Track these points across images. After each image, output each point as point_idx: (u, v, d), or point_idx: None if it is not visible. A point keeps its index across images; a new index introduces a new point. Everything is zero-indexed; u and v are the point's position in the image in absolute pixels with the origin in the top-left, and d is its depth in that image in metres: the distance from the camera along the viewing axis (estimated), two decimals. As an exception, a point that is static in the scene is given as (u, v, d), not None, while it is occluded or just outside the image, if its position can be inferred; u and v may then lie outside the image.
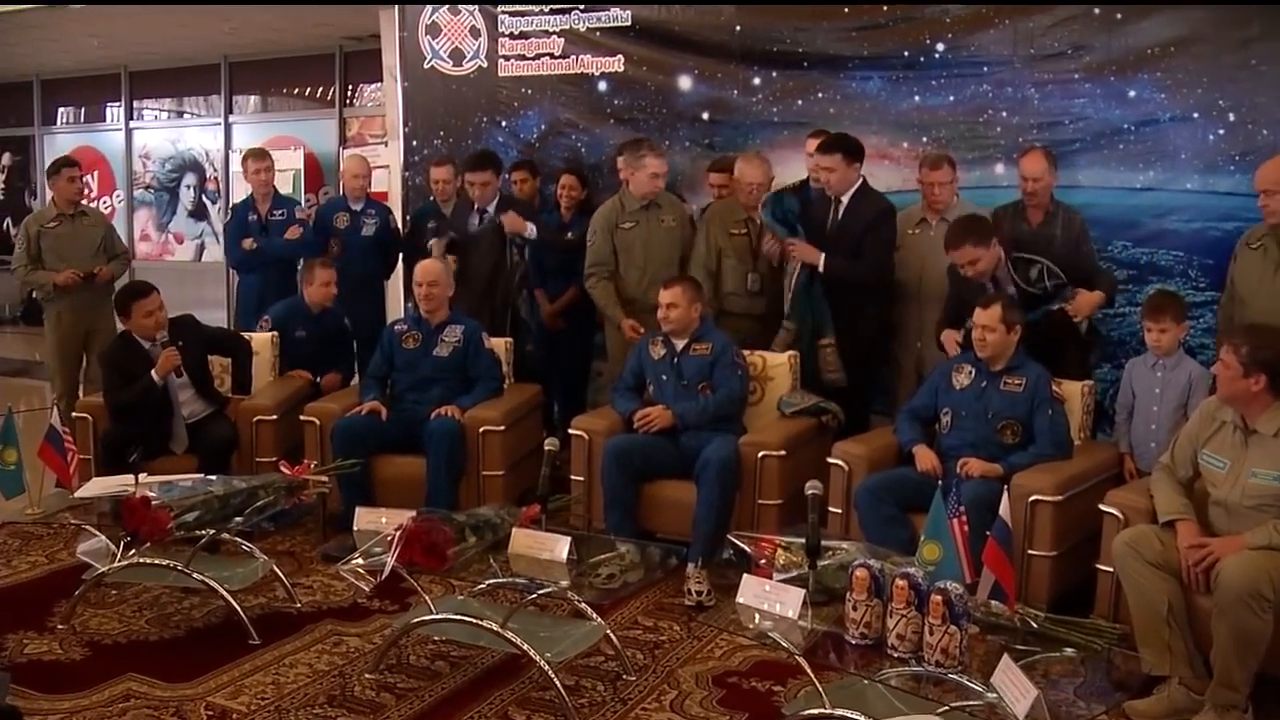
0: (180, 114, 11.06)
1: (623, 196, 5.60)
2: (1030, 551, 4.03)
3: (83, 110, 11.50)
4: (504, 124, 6.87)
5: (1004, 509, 3.40)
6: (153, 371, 5.00)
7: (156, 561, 4.08)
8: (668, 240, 5.56)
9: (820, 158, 5.16)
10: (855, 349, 5.15)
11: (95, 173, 10.70)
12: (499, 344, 5.46)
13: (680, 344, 4.92)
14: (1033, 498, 4.02)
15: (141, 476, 4.14)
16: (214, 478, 4.29)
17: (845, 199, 5.16)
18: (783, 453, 4.60)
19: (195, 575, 4.03)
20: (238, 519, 4.09)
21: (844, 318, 5.15)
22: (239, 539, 4.31)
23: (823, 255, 5.08)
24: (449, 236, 5.89)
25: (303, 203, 7.95)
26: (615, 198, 5.65)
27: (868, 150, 5.29)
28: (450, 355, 5.24)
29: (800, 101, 6.06)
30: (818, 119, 5.85)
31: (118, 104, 10.86)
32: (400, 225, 6.71)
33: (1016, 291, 4.57)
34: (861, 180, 5.18)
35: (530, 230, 5.84)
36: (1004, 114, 5.58)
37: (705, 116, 6.33)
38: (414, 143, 7.10)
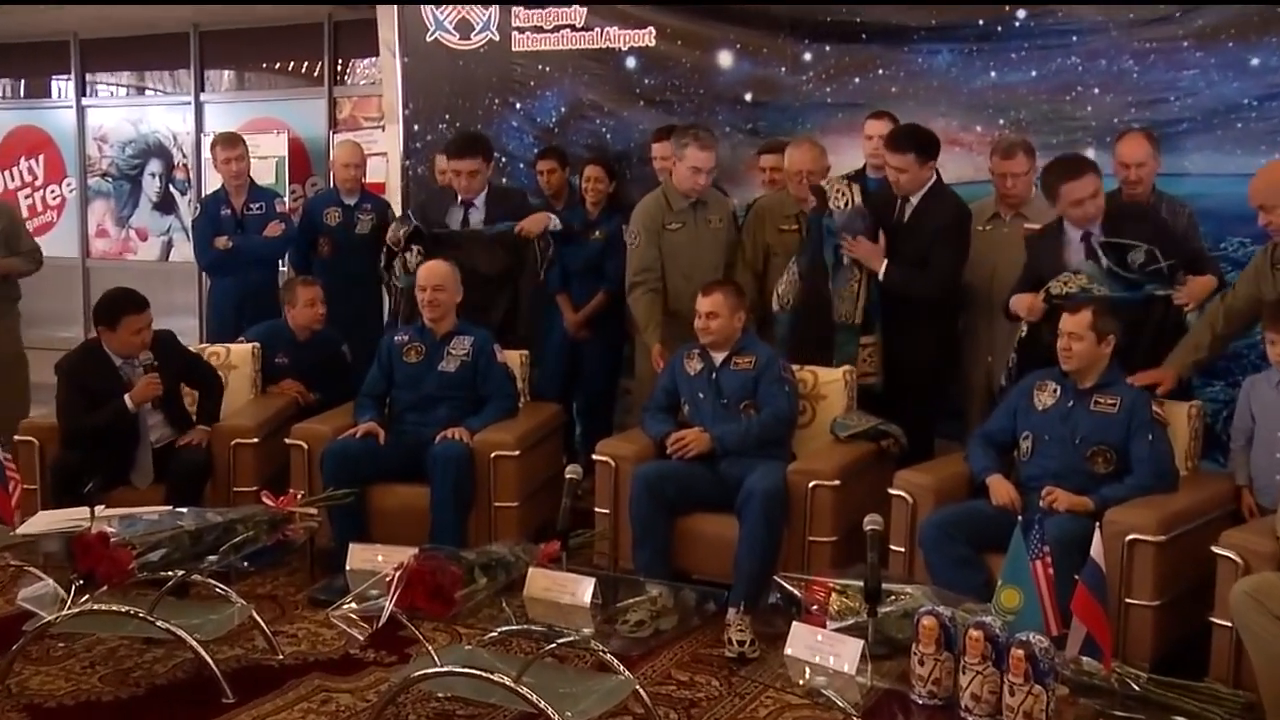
0: (142, 90, 11.14)
1: (666, 192, 5.54)
2: (1128, 600, 4.02)
3: (23, 83, 11.55)
4: (518, 106, 6.93)
5: (1096, 549, 3.41)
6: (127, 396, 5.01)
7: (114, 608, 4.05)
8: (714, 244, 5.53)
9: (890, 156, 5.07)
10: (916, 362, 5.12)
11: (41, 157, 10.75)
12: (513, 357, 5.46)
13: (719, 357, 4.94)
14: (1130, 536, 4.02)
15: (99, 509, 4.13)
16: (184, 510, 4.31)
17: (915, 199, 5.12)
18: (837, 482, 4.61)
19: (160, 623, 4.01)
20: (211, 558, 4.11)
21: (902, 325, 5.12)
22: (212, 581, 4.31)
23: (885, 263, 5.05)
24: (412, 225, 5.67)
25: (287, 196, 8.01)
26: (658, 193, 5.58)
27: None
28: (457, 370, 5.27)
29: (857, 80, 6.09)
30: (877, 100, 5.87)
31: (66, 77, 10.90)
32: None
33: (1108, 271, 4.51)
34: (935, 177, 5.13)
35: (554, 222, 5.75)
36: (1096, 91, 5.60)
37: (748, 98, 6.37)
38: (415, 127, 7.17)
